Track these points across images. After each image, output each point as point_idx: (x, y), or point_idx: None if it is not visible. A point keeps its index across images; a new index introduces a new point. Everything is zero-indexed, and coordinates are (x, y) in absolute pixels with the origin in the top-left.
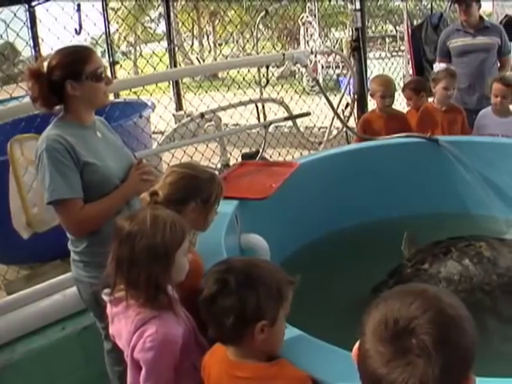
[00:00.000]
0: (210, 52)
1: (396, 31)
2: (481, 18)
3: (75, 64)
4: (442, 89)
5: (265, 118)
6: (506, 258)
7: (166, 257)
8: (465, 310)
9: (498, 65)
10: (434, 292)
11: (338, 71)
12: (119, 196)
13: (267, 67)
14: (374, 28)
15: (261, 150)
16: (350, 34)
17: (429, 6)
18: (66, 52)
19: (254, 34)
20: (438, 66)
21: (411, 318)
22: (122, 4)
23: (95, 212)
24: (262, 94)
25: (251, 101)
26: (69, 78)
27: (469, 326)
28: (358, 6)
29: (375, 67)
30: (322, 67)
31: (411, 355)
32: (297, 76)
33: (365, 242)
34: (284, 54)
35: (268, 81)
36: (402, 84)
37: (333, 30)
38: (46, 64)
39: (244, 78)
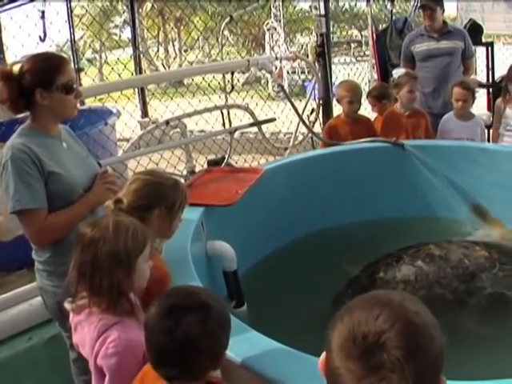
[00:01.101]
0: (174, 59)
1: (361, 36)
2: (444, 22)
3: (47, 73)
4: (407, 92)
5: (230, 124)
6: (456, 253)
7: (128, 262)
8: (430, 315)
9: (462, 68)
10: (399, 301)
11: (303, 76)
12: (83, 206)
13: (232, 73)
14: (339, 33)
15: (226, 157)
16: (315, 39)
17: (394, 10)
18: (39, 58)
19: (219, 40)
20: (398, 72)
21: (380, 332)
22: (87, 11)
23: (59, 222)
24: (227, 100)
25: (216, 107)
26: (39, 87)
27: (436, 332)
28: (322, 11)
29: (340, 72)
30: (288, 73)
31: (384, 371)
32: (262, 82)
33: (331, 247)
34: (249, 60)
35: (233, 87)
36: (367, 89)
37: (298, 35)
38: (18, 67)
39: (209, 85)
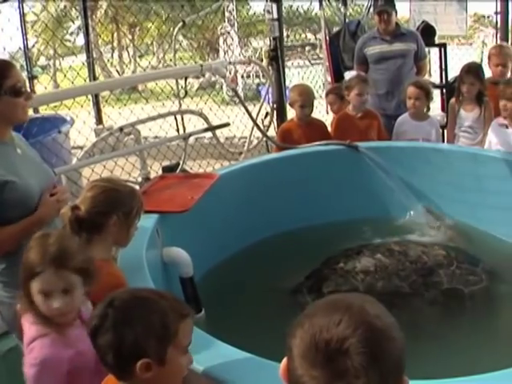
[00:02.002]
0: (127, 65)
1: (316, 39)
2: (397, 24)
3: None
4: (356, 95)
5: (184, 130)
6: (415, 249)
7: None
8: (389, 316)
9: (415, 70)
10: (359, 305)
11: (257, 81)
12: (34, 221)
13: (185, 79)
14: (293, 36)
15: (181, 163)
16: (268, 43)
17: (347, 13)
18: None
19: (172, 45)
20: (349, 74)
21: (342, 338)
22: (38, 17)
23: (8, 235)
24: (180, 105)
25: (170, 113)
26: None
27: (397, 333)
28: (275, 15)
29: (293, 76)
30: (242, 77)
31: (349, 377)
32: (217, 86)
33: (288, 250)
34: (202, 65)
35: (187, 92)
36: (321, 92)
37: (252, 39)
38: None
39: (162, 90)
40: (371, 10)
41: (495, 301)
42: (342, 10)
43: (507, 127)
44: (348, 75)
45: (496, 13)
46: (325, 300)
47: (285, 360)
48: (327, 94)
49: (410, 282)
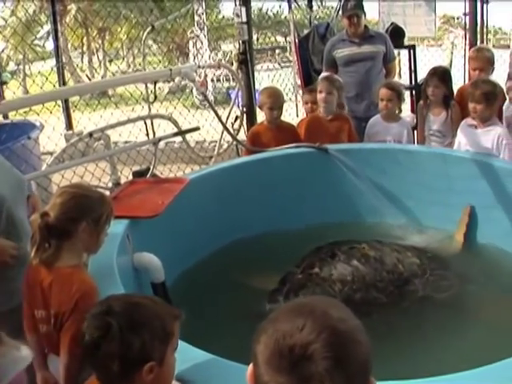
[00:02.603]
0: (96, 70)
1: (286, 42)
2: (366, 27)
3: None
4: (318, 92)
5: (154, 135)
6: (390, 256)
7: None
8: (354, 319)
9: (384, 72)
10: (322, 309)
11: (228, 84)
12: None
13: (155, 83)
14: (263, 40)
15: (151, 167)
16: (237, 46)
17: (317, 16)
18: None
19: (141, 49)
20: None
21: (306, 343)
22: (7, 22)
23: None
24: (150, 110)
25: (139, 118)
26: None
27: (362, 336)
28: (244, 18)
29: (263, 79)
30: (212, 81)
31: (314, 382)
32: (187, 90)
33: (259, 254)
34: (171, 70)
35: (156, 97)
36: (290, 95)
37: (222, 42)
38: None
39: (132, 95)
40: (340, 12)
41: (465, 305)
42: (308, 13)
43: (476, 128)
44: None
45: (465, 14)
46: (288, 304)
47: (251, 366)
48: (305, 93)
49: (387, 294)
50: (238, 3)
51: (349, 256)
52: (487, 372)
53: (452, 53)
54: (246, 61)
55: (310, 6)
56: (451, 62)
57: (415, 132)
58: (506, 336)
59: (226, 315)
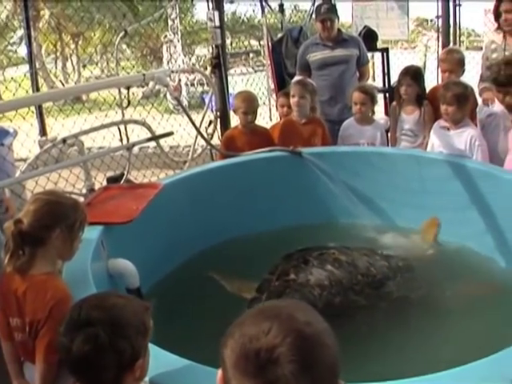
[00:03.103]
0: (70, 75)
1: (260, 46)
2: (339, 30)
3: None
4: (291, 96)
5: (128, 140)
6: (361, 260)
7: None
8: (322, 323)
9: (358, 75)
10: (288, 312)
11: (202, 88)
12: None
13: (128, 88)
14: (236, 44)
15: (125, 173)
16: (211, 51)
17: (291, 19)
18: None
19: (114, 54)
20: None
21: (272, 347)
22: None
23: None
24: (123, 115)
25: (113, 123)
26: None
27: (329, 339)
28: (217, 23)
29: (236, 84)
30: (186, 85)
31: None
32: (161, 95)
33: (234, 258)
34: (144, 75)
35: (129, 102)
36: (264, 99)
37: (197, 46)
38: None
39: (105, 100)
40: (313, 16)
41: (439, 305)
42: (281, 17)
43: (449, 130)
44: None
45: (437, 17)
46: (255, 308)
47: (220, 371)
48: (279, 97)
49: (365, 296)
50: (210, 7)
51: (321, 261)
52: (464, 372)
53: (425, 55)
54: (219, 65)
55: (281, 10)
56: (425, 64)
57: (389, 134)
58: (479, 336)
59: (201, 321)
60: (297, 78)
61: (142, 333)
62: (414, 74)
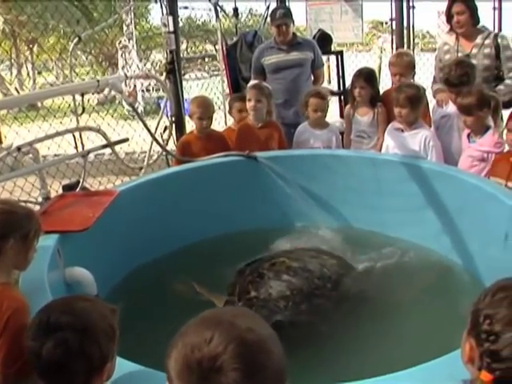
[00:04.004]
0: (24, 82)
1: (216, 50)
2: (294, 34)
3: None
4: (247, 100)
5: (83, 147)
6: (313, 263)
7: None
8: (265, 329)
9: (313, 78)
10: (229, 320)
11: (158, 94)
12: None
13: (82, 95)
14: (191, 49)
15: (81, 180)
16: (165, 56)
17: (246, 23)
18: None
19: (68, 61)
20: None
21: (215, 356)
22: None
23: None
24: (78, 122)
25: (68, 130)
26: None
27: (273, 345)
28: (171, 28)
29: (191, 88)
30: (142, 91)
31: None
32: (117, 101)
33: (191, 264)
34: (99, 81)
35: (84, 109)
36: (219, 103)
37: (152, 52)
38: None
39: (60, 107)
40: (268, 20)
41: (391, 304)
42: (234, 21)
43: (403, 131)
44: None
45: (391, 19)
46: (197, 317)
47: (167, 382)
48: (234, 102)
49: (328, 298)
50: (165, 13)
51: (276, 272)
52: (417, 372)
53: (381, 57)
54: (173, 70)
55: (236, 14)
56: (380, 66)
57: (343, 137)
58: (436, 334)
59: (158, 328)
60: (252, 81)
61: (110, 336)
62: (367, 76)
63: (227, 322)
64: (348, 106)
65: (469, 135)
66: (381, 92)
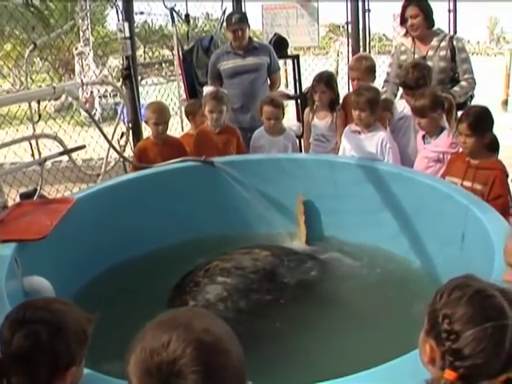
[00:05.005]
0: None
1: (173, 56)
2: (250, 39)
3: None
4: (208, 112)
5: (40, 155)
6: (245, 259)
7: None
8: (222, 328)
9: (269, 83)
10: (186, 323)
11: (115, 100)
12: None
13: (38, 102)
14: (148, 54)
15: (38, 188)
16: (121, 62)
17: (203, 28)
18: None
19: (24, 68)
20: (206, 90)
21: (173, 359)
22: None
23: None
24: (34, 130)
25: (24, 138)
26: None
27: (231, 344)
28: (127, 33)
29: (148, 94)
30: (100, 97)
31: None
32: (74, 108)
33: (149, 271)
34: (55, 88)
35: (40, 116)
36: (176, 109)
37: (109, 58)
38: None
39: (15, 115)
40: (224, 25)
41: (333, 281)
42: (187, 26)
43: (360, 133)
44: (205, 90)
45: (347, 23)
46: (154, 321)
47: None
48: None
49: (266, 291)
50: (120, 18)
51: (210, 277)
52: (383, 371)
53: (337, 61)
54: (130, 76)
55: (187, 20)
56: (337, 69)
57: (302, 140)
58: (394, 334)
59: (117, 337)
60: (209, 88)
61: (81, 340)
62: (327, 81)
63: (184, 325)
64: (307, 110)
65: (424, 137)
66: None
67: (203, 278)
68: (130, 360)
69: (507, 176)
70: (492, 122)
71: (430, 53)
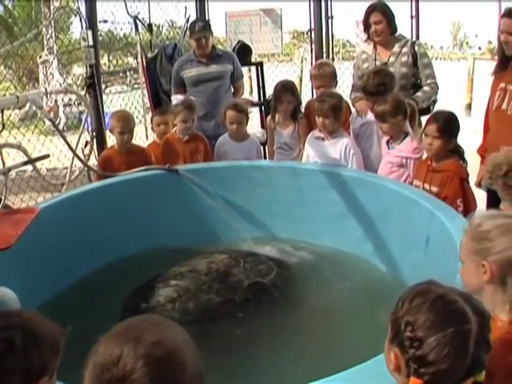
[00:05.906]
0: None
1: (137, 63)
2: (213, 46)
3: None
4: (181, 122)
5: (4, 165)
6: (201, 262)
7: None
8: (176, 337)
9: (233, 90)
10: (136, 336)
11: (79, 109)
12: None
13: (2, 111)
14: (112, 62)
15: (3, 198)
16: (85, 70)
17: (167, 36)
18: None
19: None
20: (176, 98)
21: (124, 375)
22: None
23: None
24: None
25: None
26: None
27: (185, 355)
28: (90, 42)
29: (112, 102)
30: (64, 106)
31: None
32: (38, 117)
33: (116, 281)
34: (18, 97)
35: (4, 125)
36: (140, 117)
37: (73, 66)
38: None
39: None
40: (187, 32)
41: (293, 284)
42: (150, 35)
43: (323, 140)
44: (175, 99)
45: (310, 29)
46: (108, 333)
47: None
48: (155, 115)
49: (215, 292)
50: (84, 27)
51: (165, 281)
52: (351, 374)
53: (302, 67)
54: (93, 84)
55: (150, 29)
56: (301, 76)
57: (266, 147)
58: (358, 338)
59: (84, 349)
60: (178, 97)
61: (53, 350)
62: (292, 90)
63: (134, 339)
64: (269, 118)
65: (388, 142)
66: (303, 103)
67: (158, 283)
68: (84, 375)
69: (463, 179)
70: (458, 128)
71: (392, 59)
